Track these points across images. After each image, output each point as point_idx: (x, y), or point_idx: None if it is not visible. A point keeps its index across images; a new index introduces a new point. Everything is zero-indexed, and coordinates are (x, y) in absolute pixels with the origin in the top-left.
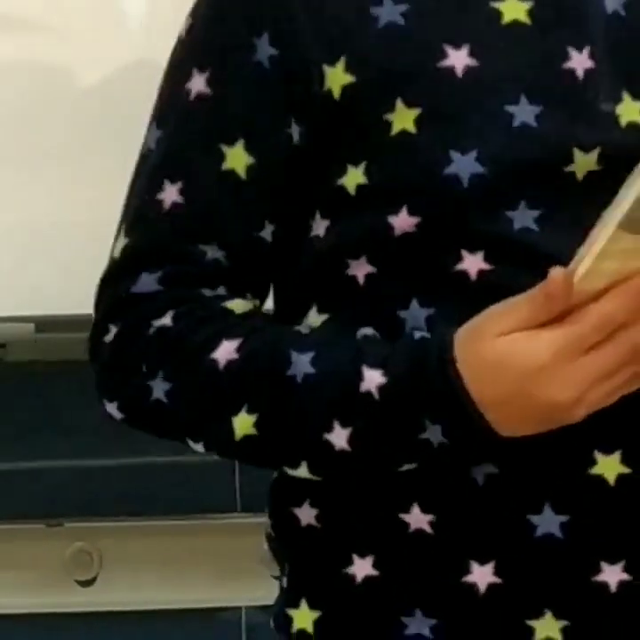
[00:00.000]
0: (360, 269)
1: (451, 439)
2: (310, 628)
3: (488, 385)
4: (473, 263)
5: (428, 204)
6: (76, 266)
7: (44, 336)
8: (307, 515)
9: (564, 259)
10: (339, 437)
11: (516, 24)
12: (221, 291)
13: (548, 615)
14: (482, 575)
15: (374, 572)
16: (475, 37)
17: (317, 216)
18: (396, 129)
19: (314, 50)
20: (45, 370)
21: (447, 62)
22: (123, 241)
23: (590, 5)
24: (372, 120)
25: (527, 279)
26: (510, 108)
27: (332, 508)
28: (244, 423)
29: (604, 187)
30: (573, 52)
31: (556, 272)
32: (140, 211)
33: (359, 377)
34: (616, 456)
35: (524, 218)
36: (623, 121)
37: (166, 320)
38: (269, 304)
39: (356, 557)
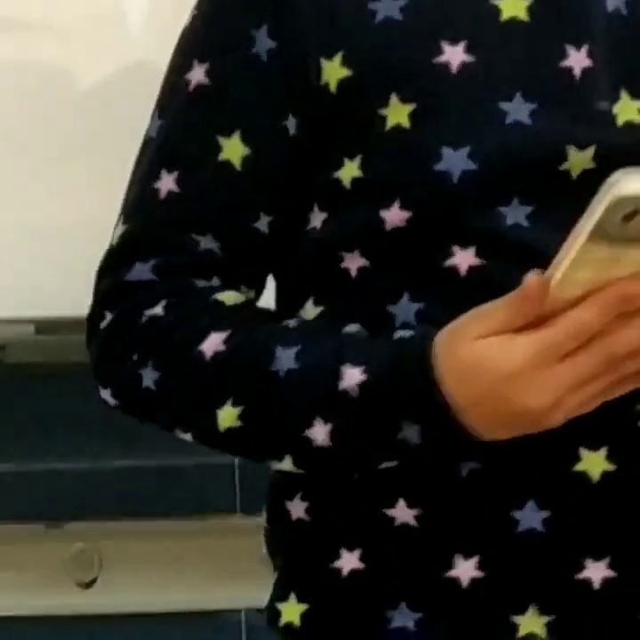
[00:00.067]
0: (353, 262)
1: (428, 439)
2: (297, 622)
3: (464, 387)
4: (463, 259)
5: (420, 200)
6: (76, 267)
7: (44, 337)
8: (298, 508)
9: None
10: (319, 433)
11: (514, 21)
12: (215, 282)
13: (532, 610)
14: (465, 569)
15: (360, 566)
16: (472, 34)
17: (315, 208)
18: (390, 124)
19: (312, 43)
20: (45, 371)
21: (442, 58)
22: (121, 228)
23: (591, 4)
24: (367, 114)
25: (518, 276)
26: (504, 105)
27: (322, 501)
28: (228, 415)
29: (599, 185)
30: (571, 51)
31: (531, 277)
32: (137, 199)
33: (340, 375)
34: (601, 453)
35: (516, 214)
36: (620, 120)
37: (158, 310)
38: (267, 298)
39: (343, 551)
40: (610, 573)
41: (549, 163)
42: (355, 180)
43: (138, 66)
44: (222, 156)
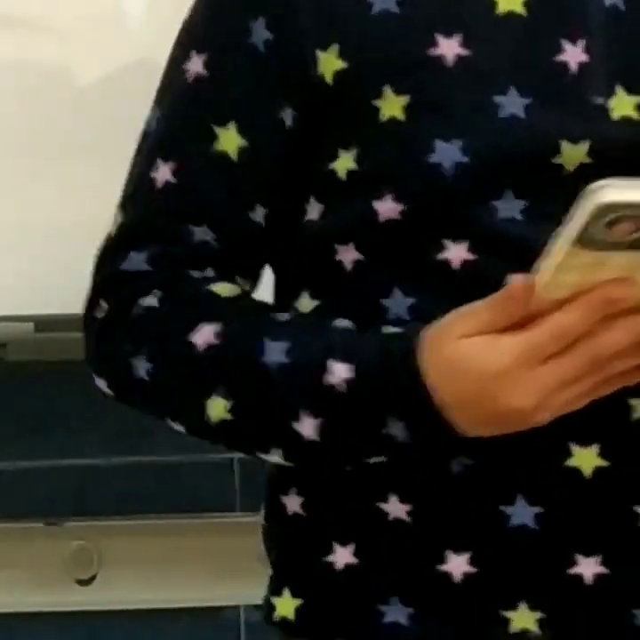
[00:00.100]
0: (347, 255)
1: (414, 435)
2: (292, 616)
3: (449, 384)
4: (456, 253)
5: (414, 192)
6: (75, 266)
7: (43, 335)
8: (293, 503)
9: None
10: (307, 427)
11: (511, 15)
12: (209, 272)
13: (523, 606)
14: (458, 565)
15: (354, 561)
16: (468, 27)
17: (312, 200)
18: (384, 116)
19: (308, 35)
20: (45, 369)
21: (437, 51)
22: (118, 218)
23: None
24: (363, 106)
25: (511, 270)
26: (498, 99)
27: (316, 496)
28: (218, 408)
29: (594, 180)
30: (567, 45)
31: (516, 277)
32: (135, 188)
33: (328, 370)
34: (594, 449)
35: (509, 209)
36: (615, 115)
37: (152, 300)
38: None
39: (337, 546)
40: (602, 569)
41: (542, 157)
42: (350, 172)
43: (138, 65)
44: (218, 147)
